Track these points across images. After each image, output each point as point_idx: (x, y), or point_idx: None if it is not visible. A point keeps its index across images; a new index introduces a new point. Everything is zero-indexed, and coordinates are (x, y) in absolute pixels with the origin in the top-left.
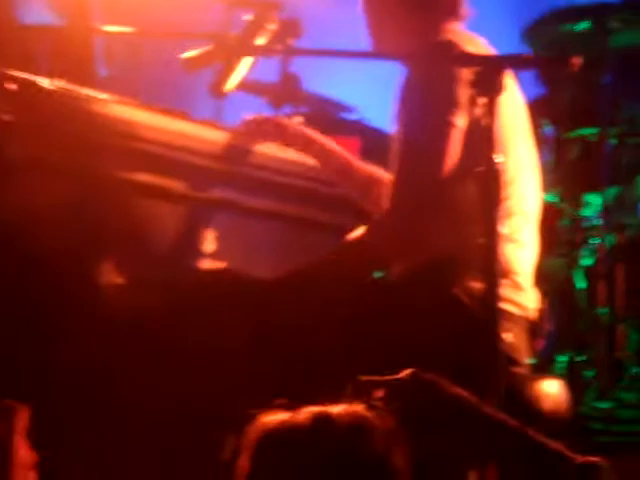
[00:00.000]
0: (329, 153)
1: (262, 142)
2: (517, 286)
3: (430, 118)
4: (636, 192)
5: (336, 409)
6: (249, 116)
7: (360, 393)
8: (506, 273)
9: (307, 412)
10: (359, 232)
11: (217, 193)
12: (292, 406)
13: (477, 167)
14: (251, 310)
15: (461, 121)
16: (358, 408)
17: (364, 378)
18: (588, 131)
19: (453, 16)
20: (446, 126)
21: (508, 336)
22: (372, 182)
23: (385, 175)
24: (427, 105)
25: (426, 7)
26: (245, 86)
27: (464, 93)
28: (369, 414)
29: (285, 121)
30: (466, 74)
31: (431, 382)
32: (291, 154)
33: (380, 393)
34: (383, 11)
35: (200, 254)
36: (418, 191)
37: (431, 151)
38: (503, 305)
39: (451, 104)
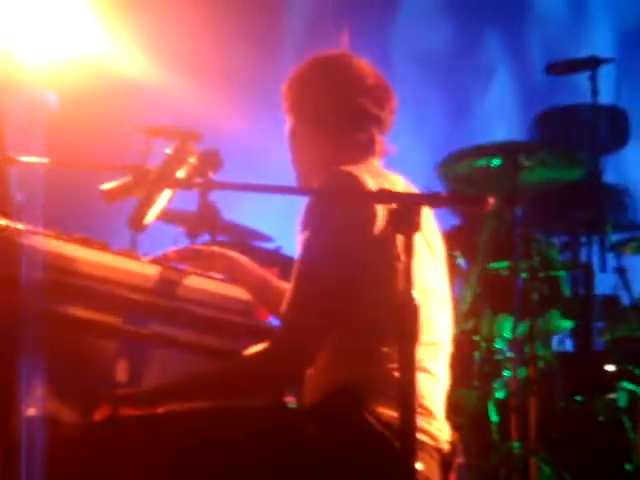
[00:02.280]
0: (248, 272)
1: (183, 267)
2: (428, 415)
3: (326, 248)
4: (547, 325)
5: None
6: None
7: None
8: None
9: None
10: (250, 351)
11: (138, 325)
12: None
13: (385, 297)
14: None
15: (358, 250)
16: None
17: None
18: (501, 265)
19: (367, 153)
20: (342, 256)
21: (420, 466)
22: None
23: None
24: (323, 235)
25: (340, 146)
26: (163, 215)
27: (362, 224)
28: None
29: (201, 246)
30: (366, 206)
31: None
32: (209, 284)
33: None
34: (305, 148)
35: (115, 386)
36: (309, 322)
37: (325, 282)
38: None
39: (347, 234)
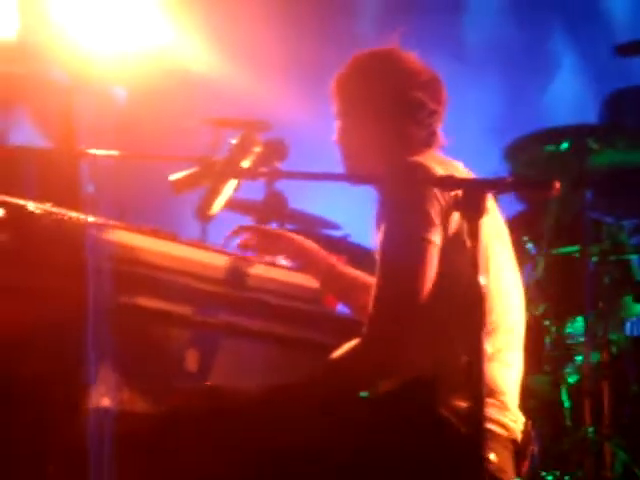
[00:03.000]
0: (316, 257)
1: (255, 254)
2: (502, 406)
3: (406, 237)
4: (619, 309)
5: None
6: (241, 227)
7: None
8: (491, 393)
9: None
10: (341, 352)
11: (207, 314)
12: None
13: (458, 286)
14: (232, 430)
15: (437, 238)
16: None
17: None
18: (570, 249)
19: (427, 147)
20: (422, 244)
21: (493, 457)
22: (357, 287)
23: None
24: (402, 224)
25: (403, 141)
26: (230, 204)
27: (437, 211)
28: None
29: (273, 229)
30: (439, 193)
31: None
32: (277, 273)
33: None
34: (362, 145)
35: (187, 375)
36: (397, 312)
37: (409, 270)
38: (488, 425)
39: (425, 222)
